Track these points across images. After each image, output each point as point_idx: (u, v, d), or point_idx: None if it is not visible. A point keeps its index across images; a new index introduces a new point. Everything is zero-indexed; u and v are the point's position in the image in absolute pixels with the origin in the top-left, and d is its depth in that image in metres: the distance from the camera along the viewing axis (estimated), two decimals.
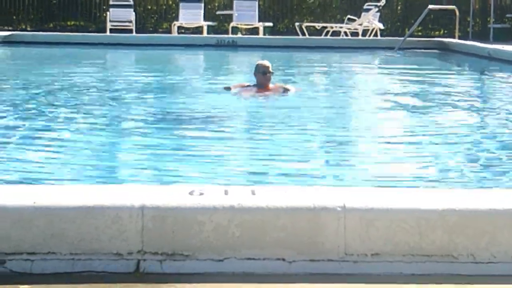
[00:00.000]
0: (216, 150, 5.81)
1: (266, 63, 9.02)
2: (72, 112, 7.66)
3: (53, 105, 8.18)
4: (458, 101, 9.09)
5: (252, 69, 9.03)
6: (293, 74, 12.38)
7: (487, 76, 12.99)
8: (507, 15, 24.62)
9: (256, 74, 8.92)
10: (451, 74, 13.01)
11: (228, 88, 9.24)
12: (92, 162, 5.21)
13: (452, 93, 9.75)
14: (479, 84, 11.60)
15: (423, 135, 6.65)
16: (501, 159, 5.65)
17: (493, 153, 5.91)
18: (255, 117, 7.81)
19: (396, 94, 9.59)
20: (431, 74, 12.59)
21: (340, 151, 6.02)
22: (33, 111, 7.62)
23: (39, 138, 6.16)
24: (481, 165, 5.48)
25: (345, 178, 5.01)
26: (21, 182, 4.57)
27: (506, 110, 8.45)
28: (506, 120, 7.74)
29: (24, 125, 6.74)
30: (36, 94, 9.06)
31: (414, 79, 11.57)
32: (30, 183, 4.51)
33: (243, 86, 9.16)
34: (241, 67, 14.26)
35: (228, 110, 8.22)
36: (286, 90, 9.07)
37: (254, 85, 8.97)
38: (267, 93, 8.85)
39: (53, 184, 4.53)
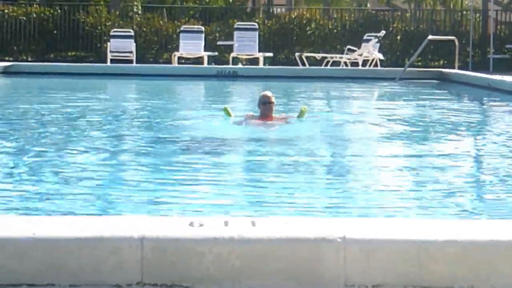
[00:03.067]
0: (216, 180, 5.80)
1: (268, 93, 9.10)
2: (70, 142, 7.66)
3: (51, 135, 8.19)
4: (458, 131, 9.10)
5: (253, 98, 9.17)
6: (293, 104, 12.40)
7: (487, 106, 13.01)
8: (507, 46, 24.73)
9: (259, 105, 9.02)
10: (451, 104, 13.03)
11: (232, 118, 9.30)
12: (91, 193, 5.20)
13: (452, 123, 9.76)
14: (479, 114, 11.61)
15: (423, 165, 6.65)
16: (501, 189, 5.64)
17: (493, 183, 5.90)
18: (255, 147, 7.81)
19: (396, 124, 9.59)
20: (431, 104, 12.61)
21: (340, 180, 6.01)
22: (31, 142, 7.61)
23: (38, 168, 6.15)
24: (481, 195, 5.47)
25: (345, 208, 4.99)
26: (20, 213, 4.56)
27: (506, 140, 8.45)
28: (506, 150, 7.73)
29: (22, 155, 6.73)
30: (35, 124, 9.08)
31: (414, 109, 11.59)
32: (29, 214, 4.51)
33: (247, 116, 9.26)
34: (241, 97, 14.30)
35: (228, 139, 8.26)
36: (287, 119, 9.14)
37: (257, 116, 9.06)
38: (269, 122, 8.89)
39: (52, 215, 4.52)
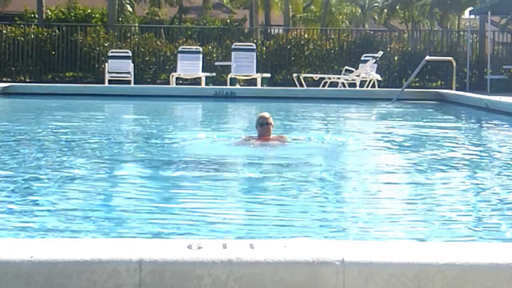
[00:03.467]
0: (214, 202, 5.79)
1: (266, 114, 9.20)
2: (67, 164, 7.64)
3: (49, 156, 8.17)
4: (455, 152, 9.10)
5: (251, 119, 9.25)
6: (291, 125, 12.42)
7: (485, 127, 13.03)
8: (504, 67, 24.80)
9: (257, 126, 9.13)
10: (449, 125, 13.04)
11: (231, 139, 9.39)
12: (88, 215, 5.18)
13: (450, 144, 9.76)
14: (477, 135, 11.62)
15: (421, 187, 6.64)
16: (499, 211, 5.63)
17: (493, 205, 5.89)
18: (254, 168, 7.82)
19: (393, 145, 9.60)
20: (429, 125, 12.62)
21: (339, 202, 6.00)
22: (28, 163, 7.59)
23: (35, 190, 6.13)
24: (480, 217, 5.46)
25: (343, 230, 4.98)
26: (17, 236, 4.54)
27: (505, 161, 8.45)
28: (505, 171, 7.73)
29: (18, 177, 6.71)
30: (32, 145, 9.06)
31: (411, 130, 11.60)
32: (27, 237, 4.49)
33: (245, 138, 9.35)
34: (239, 118, 14.30)
35: (227, 160, 8.32)
36: (285, 140, 9.18)
37: (255, 136, 9.16)
38: (267, 143, 8.94)
39: (49, 238, 4.50)
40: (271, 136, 9.12)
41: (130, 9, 29.84)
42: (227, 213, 5.44)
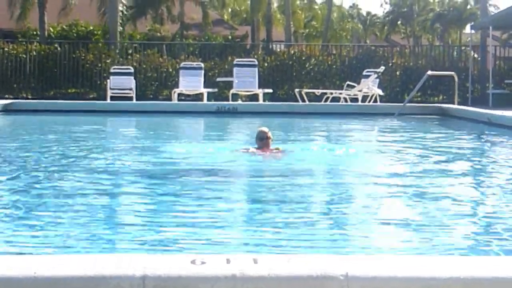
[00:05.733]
0: (218, 216, 5.78)
1: (265, 129, 9.53)
2: (70, 179, 7.64)
3: (51, 173, 8.17)
4: (458, 166, 9.09)
5: (253, 134, 9.47)
6: (293, 139, 12.41)
7: (487, 142, 13.02)
8: (506, 81, 24.82)
9: (256, 140, 9.43)
10: (451, 139, 13.03)
11: (232, 151, 9.58)
12: (91, 231, 5.17)
13: (453, 159, 9.75)
14: (479, 150, 11.61)
15: (424, 201, 6.63)
16: (504, 224, 5.61)
17: (496, 219, 5.87)
18: (257, 181, 7.87)
19: (395, 160, 9.59)
20: (431, 139, 12.62)
21: (341, 216, 5.98)
22: (30, 180, 7.58)
23: (36, 206, 6.12)
24: (485, 231, 5.45)
25: (347, 244, 4.96)
26: (20, 253, 4.53)
27: (508, 175, 8.43)
28: (508, 185, 7.72)
29: (20, 193, 6.71)
30: (34, 162, 9.05)
31: (414, 145, 11.58)
32: (30, 254, 4.48)
33: (245, 150, 9.53)
34: (241, 133, 14.29)
35: (230, 172, 8.43)
36: (283, 153, 9.32)
37: (255, 149, 9.39)
38: (266, 155, 9.09)
39: (53, 254, 4.49)
40: (270, 149, 9.36)
41: (120, 28, 29.82)
42: (231, 227, 5.43)
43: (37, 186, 7.20)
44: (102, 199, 6.59)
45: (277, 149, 9.49)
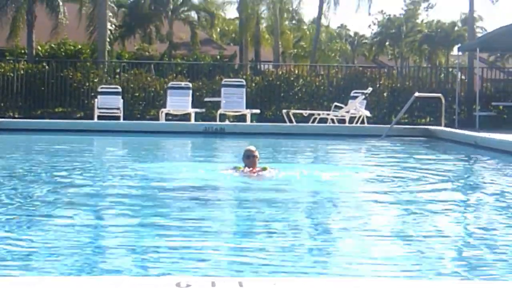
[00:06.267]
0: (203, 238, 5.75)
1: (252, 148, 9.64)
2: (57, 200, 7.61)
3: (39, 193, 8.13)
4: (444, 189, 9.09)
5: (240, 155, 9.56)
6: (279, 160, 12.41)
7: (473, 164, 13.04)
8: (493, 103, 24.93)
9: (243, 159, 9.52)
10: (438, 162, 13.05)
11: (219, 170, 9.58)
12: (75, 253, 5.14)
13: (439, 181, 9.76)
14: (466, 172, 11.62)
15: (412, 223, 6.62)
16: (493, 248, 5.61)
17: (487, 242, 5.87)
18: (243, 200, 7.87)
19: (381, 182, 9.59)
20: (418, 162, 12.63)
21: (328, 239, 5.96)
22: (18, 200, 7.54)
23: (24, 227, 6.08)
24: (473, 255, 5.44)
25: (335, 268, 4.95)
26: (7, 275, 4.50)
27: (496, 198, 8.45)
28: (496, 208, 7.73)
29: (8, 213, 6.68)
30: (22, 182, 9.01)
31: (400, 167, 11.59)
32: (21, 275, 4.45)
33: (231, 169, 9.57)
34: (229, 153, 14.28)
35: (216, 191, 8.55)
36: (270, 173, 9.36)
37: (242, 168, 9.44)
38: (253, 174, 9.18)
39: (35, 276, 4.46)
40: (256, 168, 9.42)
41: (109, 47, 29.90)
42: (216, 249, 5.40)
43: (24, 206, 7.16)
44: (85, 219, 6.56)
45: (264, 168, 9.51)
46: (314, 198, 8.29)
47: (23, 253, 5.14)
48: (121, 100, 22.35)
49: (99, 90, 22.79)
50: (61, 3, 31.44)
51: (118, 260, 4.99)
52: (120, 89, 22.84)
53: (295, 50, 55.03)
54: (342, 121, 20.65)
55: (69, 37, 33.45)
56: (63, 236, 5.72)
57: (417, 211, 7.30)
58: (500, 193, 8.88)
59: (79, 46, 33.37)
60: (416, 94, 19.26)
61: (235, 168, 9.48)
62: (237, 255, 5.24)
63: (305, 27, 56.19)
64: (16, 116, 24.17)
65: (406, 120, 23.33)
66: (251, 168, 9.37)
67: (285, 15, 47.19)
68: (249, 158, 9.45)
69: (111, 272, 4.65)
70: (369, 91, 21.36)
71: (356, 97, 21.27)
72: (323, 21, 46.10)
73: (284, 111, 21.49)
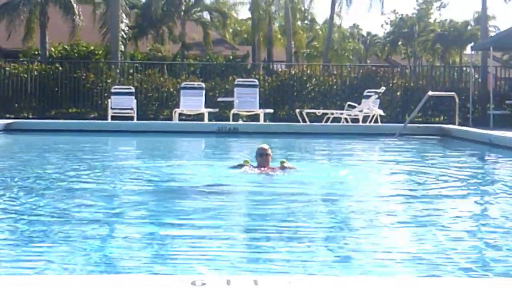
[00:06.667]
0: (218, 236, 5.74)
1: (265, 146, 9.68)
2: (69, 198, 7.63)
3: (51, 192, 8.15)
4: (460, 187, 9.06)
5: (253, 154, 9.64)
6: (293, 159, 12.39)
7: (488, 163, 12.99)
8: (507, 102, 24.83)
9: (256, 157, 9.54)
10: (452, 160, 13.01)
11: (234, 167, 9.62)
12: (90, 250, 5.14)
13: (454, 180, 9.72)
14: (480, 171, 11.57)
15: (426, 222, 6.60)
16: (507, 246, 5.58)
17: (500, 240, 5.84)
18: (258, 198, 7.88)
19: (396, 180, 9.56)
20: (432, 160, 12.60)
21: (342, 236, 5.94)
22: (30, 200, 7.54)
23: (37, 226, 6.09)
24: (487, 252, 5.41)
25: (348, 267, 4.93)
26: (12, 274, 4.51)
27: (509, 196, 8.41)
28: (508, 207, 7.69)
29: (18, 213, 6.69)
30: (35, 182, 9.02)
31: (415, 166, 11.56)
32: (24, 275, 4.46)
33: (245, 167, 9.55)
34: (242, 153, 14.27)
35: (230, 189, 8.50)
36: (285, 169, 9.33)
37: (255, 167, 9.47)
38: (269, 172, 9.27)
39: (51, 274, 4.46)
40: (269, 166, 9.43)
41: (122, 48, 30.00)
42: (231, 247, 5.39)
43: (36, 204, 7.17)
44: (102, 217, 6.56)
45: (282, 162, 9.47)
46: (329, 196, 8.26)
47: (39, 252, 5.15)
48: (135, 101, 22.38)
49: (113, 90, 22.83)
50: (75, 6, 31.52)
51: (132, 259, 4.99)
52: (133, 90, 22.87)
53: (308, 50, 54.99)
54: (355, 120, 20.62)
55: (83, 38, 33.52)
56: (78, 234, 5.72)
57: (435, 210, 7.27)
58: None
59: (92, 47, 33.43)
60: (430, 93, 19.21)
61: (242, 165, 9.45)
62: (252, 253, 5.23)
63: (317, 27, 56.12)
64: (30, 116, 24.24)
65: (419, 119, 23.26)
66: (264, 167, 9.36)
67: (298, 15, 47.15)
68: (262, 156, 9.46)
69: (126, 270, 4.65)
70: (382, 90, 21.32)
71: (370, 96, 21.24)
72: (336, 21, 46.09)
73: (297, 110, 21.47)
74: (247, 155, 10.47)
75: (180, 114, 21.45)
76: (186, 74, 26.63)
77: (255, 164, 9.53)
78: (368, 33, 71.62)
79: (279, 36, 47.14)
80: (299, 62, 47.13)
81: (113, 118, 21.47)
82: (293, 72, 26.10)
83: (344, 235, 6.05)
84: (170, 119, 22.15)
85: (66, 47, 33.82)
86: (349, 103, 21.96)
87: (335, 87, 25.50)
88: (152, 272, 4.61)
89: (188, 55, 41.89)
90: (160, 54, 39.91)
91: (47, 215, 6.66)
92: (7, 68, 25.36)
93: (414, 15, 65.90)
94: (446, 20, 65.08)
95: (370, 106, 20.72)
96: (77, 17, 31.54)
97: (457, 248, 5.49)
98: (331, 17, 38.64)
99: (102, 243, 5.48)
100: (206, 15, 46.31)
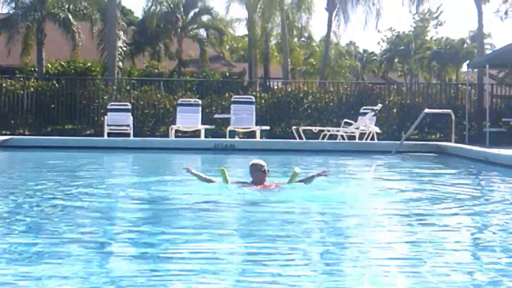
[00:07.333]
0: (211, 257, 5.72)
1: (261, 162, 9.44)
2: (63, 216, 7.60)
3: (46, 210, 8.12)
4: (456, 205, 9.05)
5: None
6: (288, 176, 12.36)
7: (484, 181, 12.99)
8: (503, 119, 24.87)
9: (252, 173, 9.38)
10: (449, 178, 13.00)
11: (222, 172, 9.62)
12: (78, 270, 5.11)
13: (450, 198, 9.71)
14: (477, 189, 11.57)
15: (421, 241, 6.59)
16: (503, 264, 5.57)
17: (498, 258, 5.83)
18: (249, 215, 7.88)
19: (392, 199, 9.55)
20: (429, 178, 12.59)
21: (335, 258, 5.90)
22: (22, 221, 7.49)
23: (30, 245, 6.05)
24: (483, 271, 5.40)
25: (343, 282, 4.92)
26: None
27: (503, 214, 8.40)
28: (504, 225, 7.68)
29: (12, 232, 6.66)
30: (29, 199, 8.99)
31: (411, 183, 11.55)
32: None
33: (239, 182, 9.53)
34: (238, 170, 14.26)
35: (225, 206, 8.47)
36: (281, 186, 9.28)
37: (250, 182, 9.37)
38: (266, 188, 9.21)
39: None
40: (266, 183, 9.33)
41: (120, 64, 30.07)
42: (224, 264, 5.37)
43: (30, 224, 7.14)
44: (95, 237, 6.53)
45: (276, 184, 9.44)
46: (324, 215, 8.24)
47: (32, 272, 5.13)
48: (131, 117, 22.38)
49: (109, 107, 22.83)
50: (74, 23, 31.55)
51: (123, 277, 4.96)
52: (130, 106, 22.87)
53: (305, 67, 55.07)
54: (352, 137, 20.62)
55: (80, 55, 33.53)
56: (71, 253, 5.69)
57: (431, 228, 7.26)
58: (510, 207, 8.83)
59: (89, 64, 33.46)
60: (426, 110, 19.23)
61: (244, 183, 9.40)
62: (246, 271, 5.22)
63: (314, 44, 56.22)
64: (26, 133, 24.22)
65: (416, 136, 23.29)
66: (260, 183, 9.26)
67: (294, 32, 47.22)
68: (259, 173, 9.27)
69: (120, 283, 4.63)
70: (379, 108, 21.35)
71: (366, 113, 21.26)
72: (333, 39, 46.16)
73: (293, 127, 21.49)
74: (244, 171, 10.45)
75: (176, 131, 21.47)
76: (183, 90, 26.66)
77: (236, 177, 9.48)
78: (365, 51, 71.83)
79: (275, 53, 47.23)
80: (295, 79, 47.18)
81: (109, 134, 21.47)
82: (289, 89, 26.14)
83: (338, 255, 6.02)
84: (167, 135, 22.16)
85: (63, 63, 33.81)
86: (345, 120, 21.99)
87: (331, 104, 25.54)
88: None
89: (185, 71, 41.93)
90: (156, 70, 39.97)
91: (37, 231, 6.64)
92: (3, 85, 25.37)
93: (411, 33, 66.09)
94: (442, 37, 65.31)
95: (367, 123, 20.74)
96: (77, 35, 31.58)
97: (454, 266, 5.48)
98: (328, 35, 38.72)
99: (88, 262, 5.44)
100: (202, 32, 46.41)
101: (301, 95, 25.53)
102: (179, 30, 43.54)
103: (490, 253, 6.06)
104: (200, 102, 22.85)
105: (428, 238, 6.67)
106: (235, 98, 22.95)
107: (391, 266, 5.47)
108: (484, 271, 5.38)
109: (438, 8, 65.07)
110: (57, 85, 25.63)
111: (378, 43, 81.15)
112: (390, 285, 4.88)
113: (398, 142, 18.48)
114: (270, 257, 5.70)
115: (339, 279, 5.08)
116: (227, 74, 39.82)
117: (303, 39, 54.53)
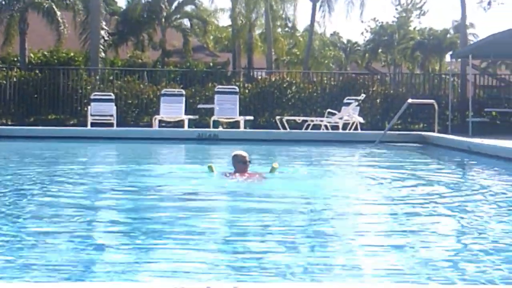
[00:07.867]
0: (198, 243, 5.73)
1: (243, 153, 9.61)
2: (51, 205, 7.59)
3: (31, 200, 8.11)
4: (439, 194, 9.09)
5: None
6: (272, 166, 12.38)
7: (467, 170, 13.06)
8: (485, 109, 24.97)
9: (234, 164, 9.54)
10: (432, 167, 13.07)
11: (210, 168, 9.82)
12: (69, 260, 5.12)
13: (433, 187, 9.76)
14: (459, 178, 11.63)
15: (404, 231, 6.62)
16: (489, 254, 5.61)
17: (482, 249, 5.87)
18: (238, 204, 7.87)
19: (376, 189, 9.58)
20: (412, 167, 12.64)
21: (322, 244, 5.93)
22: (10, 207, 7.50)
23: (17, 234, 6.06)
24: (468, 261, 5.43)
25: (329, 272, 4.94)
26: None
27: (490, 203, 8.45)
28: (492, 214, 7.73)
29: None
30: (13, 189, 8.97)
31: (394, 173, 11.59)
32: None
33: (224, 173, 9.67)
34: (222, 160, 14.27)
35: (210, 195, 8.53)
36: (263, 176, 9.37)
37: (232, 172, 9.50)
38: (250, 178, 9.28)
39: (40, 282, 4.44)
40: (248, 173, 9.46)
41: (103, 55, 29.95)
42: (211, 253, 5.38)
43: (15, 212, 7.13)
44: (83, 227, 6.53)
45: (259, 174, 9.51)
46: (308, 203, 8.27)
47: (20, 262, 5.12)
48: (114, 107, 22.34)
49: (92, 97, 22.78)
50: (58, 13, 31.37)
51: (112, 267, 4.97)
52: (113, 96, 22.83)
53: (288, 57, 55.04)
54: (335, 127, 20.66)
55: (64, 45, 33.39)
56: (62, 243, 5.70)
57: (413, 216, 7.30)
58: (493, 197, 8.89)
59: (72, 54, 33.35)
60: (409, 100, 19.27)
61: (227, 173, 9.50)
62: (232, 259, 5.23)
63: (298, 34, 56.18)
64: (9, 123, 24.12)
65: (399, 126, 23.35)
66: (243, 173, 9.36)
67: (278, 22, 47.21)
68: (241, 163, 9.45)
69: (106, 278, 4.63)
70: (362, 98, 21.39)
71: (350, 103, 21.30)
72: (317, 29, 46.18)
73: (277, 117, 21.50)
74: (227, 162, 10.46)
75: (160, 121, 21.43)
76: (166, 81, 26.61)
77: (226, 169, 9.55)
78: (349, 41, 71.81)
79: (259, 43, 47.17)
80: (279, 69, 47.16)
81: (92, 124, 21.42)
82: (273, 79, 26.13)
83: (326, 240, 6.04)
84: (150, 126, 22.12)
85: (45, 53, 33.72)
86: (329, 110, 22.01)
87: (315, 94, 25.54)
88: (133, 279, 4.59)
89: (168, 62, 41.85)
90: (140, 61, 39.88)
91: (24, 224, 6.63)
92: None
93: (394, 23, 66.11)
94: (425, 28, 65.36)
95: (350, 113, 20.78)
96: (62, 25, 31.40)
97: (437, 256, 5.51)
98: (312, 25, 38.73)
99: (77, 251, 5.44)
100: (186, 22, 46.30)
101: (284, 85, 25.53)
102: (162, 20, 43.43)
103: (473, 240, 6.10)
104: (183, 92, 22.84)
105: (411, 227, 6.71)
106: (218, 88, 22.94)
107: (374, 254, 5.50)
108: (469, 257, 5.41)
109: None
110: (40, 75, 25.52)
111: (362, 33, 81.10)
112: (373, 272, 4.91)
113: (382, 132, 18.53)
114: (250, 243, 5.73)
115: (322, 267, 5.11)
116: (211, 64, 39.78)
117: (287, 29, 54.49)
